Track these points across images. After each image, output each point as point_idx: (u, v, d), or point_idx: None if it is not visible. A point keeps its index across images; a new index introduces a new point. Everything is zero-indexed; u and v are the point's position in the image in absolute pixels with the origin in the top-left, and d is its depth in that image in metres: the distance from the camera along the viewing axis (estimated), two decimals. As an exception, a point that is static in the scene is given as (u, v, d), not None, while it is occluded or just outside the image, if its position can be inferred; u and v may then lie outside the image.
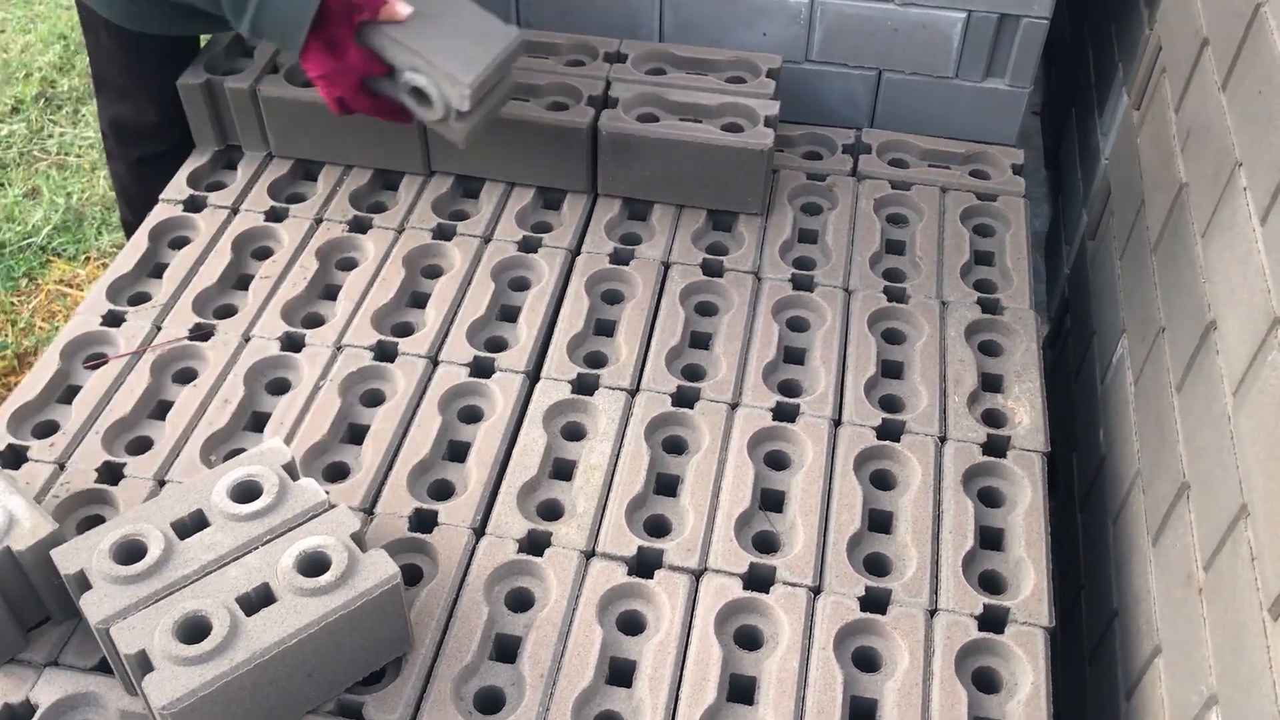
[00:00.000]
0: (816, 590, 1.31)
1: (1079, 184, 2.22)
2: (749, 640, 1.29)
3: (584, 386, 1.52)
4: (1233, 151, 1.28)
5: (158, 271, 1.69)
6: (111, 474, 1.42)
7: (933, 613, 1.30)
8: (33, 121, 2.92)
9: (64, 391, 1.52)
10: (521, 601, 1.32)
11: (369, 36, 1.49)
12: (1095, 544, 1.59)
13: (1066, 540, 1.77)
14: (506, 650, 1.28)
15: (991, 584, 1.35)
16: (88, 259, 2.55)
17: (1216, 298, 1.26)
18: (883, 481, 1.44)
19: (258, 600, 1.15)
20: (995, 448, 1.46)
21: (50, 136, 2.88)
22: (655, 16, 2.05)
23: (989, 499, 1.43)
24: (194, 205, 1.78)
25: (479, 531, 1.36)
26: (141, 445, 1.46)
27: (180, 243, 1.73)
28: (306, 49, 1.48)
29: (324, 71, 1.50)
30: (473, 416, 1.50)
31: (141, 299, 1.64)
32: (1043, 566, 1.33)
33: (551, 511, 1.40)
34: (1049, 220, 2.57)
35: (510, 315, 1.63)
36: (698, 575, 1.32)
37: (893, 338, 1.62)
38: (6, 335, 2.40)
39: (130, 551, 1.18)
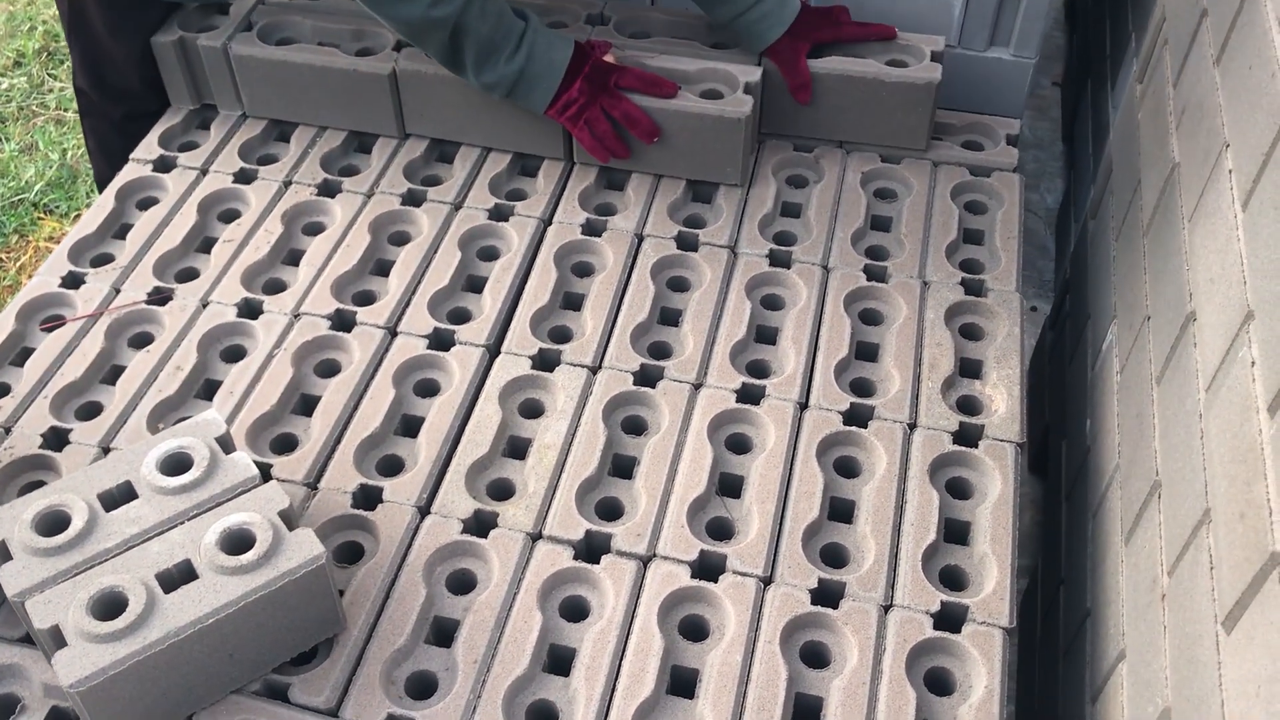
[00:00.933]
0: (767, 581, 1.26)
1: (1089, 160, 2.14)
2: (694, 631, 1.24)
3: (545, 362, 1.48)
4: (1222, 131, 1.20)
5: (122, 233, 1.66)
6: (58, 440, 1.39)
7: (887, 608, 1.24)
8: (34, 76, 2.89)
9: (18, 354, 1.50)
10: (462, 584, 1.28)
11: None
12: (1076, 538, 1.53)
13: (1054, 530, 1.71)
14: (444, 634, 1.24)
15: (952, 580, 1.29)
16: (78, 217, 2.52)
17: (1197, 287, 1.19)
18: (846, 469, 1.39)
19: (179, 577, 1.11)
20: (967, 437, 1.40)
21: (50, 91, 2.86)
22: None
23: (957, 490, 1.37)
24: (163, 165, 1.74)
25: (424, 510, 1.32)
26: (91, 411, 1.43)
27: (148, 203, 1.70)
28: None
29: (574, 101, 1.61)
30: (429, 390, 1.46)
31: (104, 260, 1.61)
32: (1007, 564, 1.28)
33: (501, 491, 1.36)
34: (1062, 196, 2.49)
35: (476, 286, 1.59)
36: (645, 561, 1.28)
37: (870, 318, 1.55)
38: (-7, 292, 2.39)
39: (54, 522, 1.15)
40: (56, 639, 1.07)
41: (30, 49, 2.97)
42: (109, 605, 1.08)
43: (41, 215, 2.56)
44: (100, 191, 1.97)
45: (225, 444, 1.22)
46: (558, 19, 1.83)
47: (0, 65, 2.93)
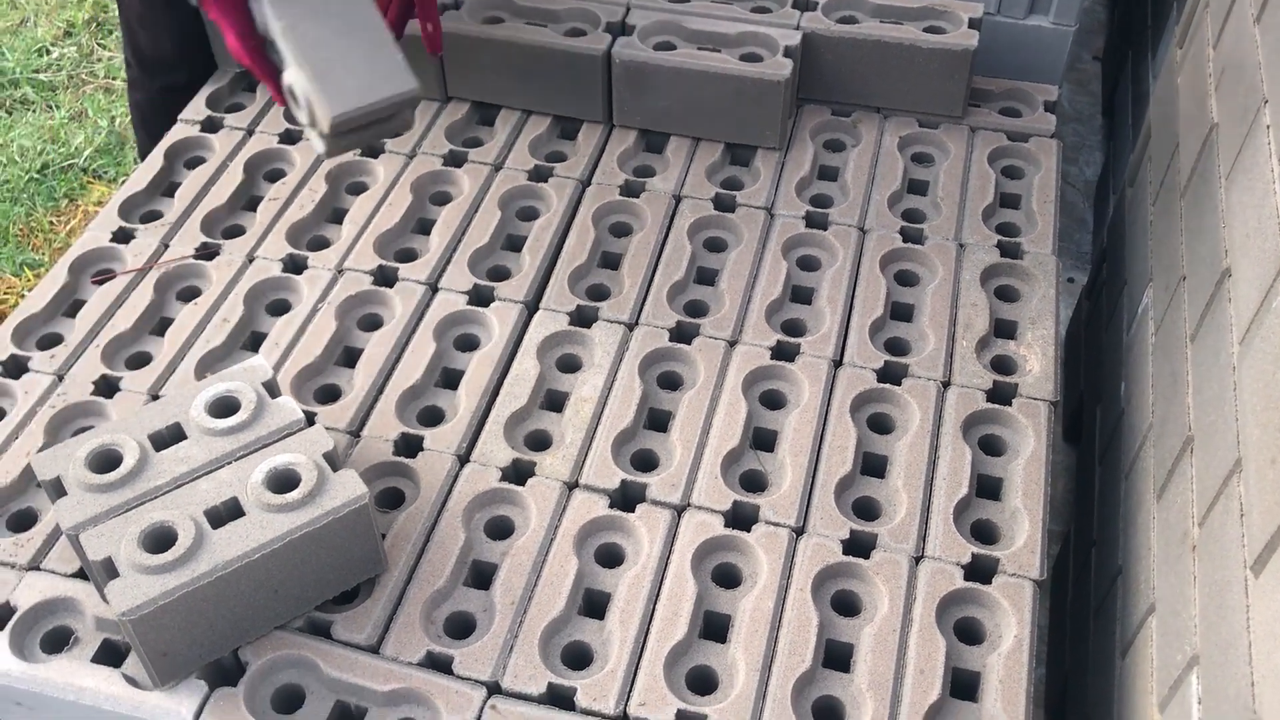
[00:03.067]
0: (799, 531, 1.28)
1: (1129, 130, 2.13)
2: (727, 578, 1.26)
3: (582, 318, 1.50)
4: (1260, 88, 1.20)
5: (170, 190, 1.69)
6: (108, 387, 1.43)
7: (918, 559, 1.26)
8: (83, 45, 2.95)
9: (70, 305, 1.54)
10: (500, 530, 1.30)
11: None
12: (1108, 500, 1.54)
13: (1087, 494, 1.71)
14: (481, 577, 1.27)
15: (984, 534, 1.30)
16: (124, 184, 2.57)
17: (1233, 243, 1.20)
18: (880, 425, 1.40)
19: (226, 514, 1.15)
20: (1001, 395, 1.41)
21: (99, 60, 2.91)
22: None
23: (990, 447, 1.38)
24: (211, 126, 1.78)
25: (463, 458, 1.35)
26: (140, 360, 1.47)
27: (195, 163, 1.74)
28: None
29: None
30: (468, 345, 1.48)
31: (153, 217, 1.65)
32: (1039, 518, 1.29)
33: (539, 442, 1.38)
34: (1101, 169, 2.48)
35: (515, 245, 1.61)
36: (679, 511, 1.30)
37: (905, 280, 1.56)
38: (44, 254, 2.44)
39: (106, 460, 1.18)
40: (109, 570, 1.10)
41: (80, 19, 3.02)
42: (159, 539, 1.12)
43: (91, 180, 2.61)
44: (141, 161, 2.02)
45: (271, 388, 1.25)
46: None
47: (50, 35, 2.99)
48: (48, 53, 2.95)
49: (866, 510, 1.32)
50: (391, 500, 1.32)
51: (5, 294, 2.37)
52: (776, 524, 1.28)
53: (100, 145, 2.66)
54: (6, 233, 2.48)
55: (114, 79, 2.85)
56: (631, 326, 1.48)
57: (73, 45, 2.95)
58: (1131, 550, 1.36)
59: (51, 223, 2.51)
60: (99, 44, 2.96)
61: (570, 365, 1.46)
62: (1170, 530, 1.22)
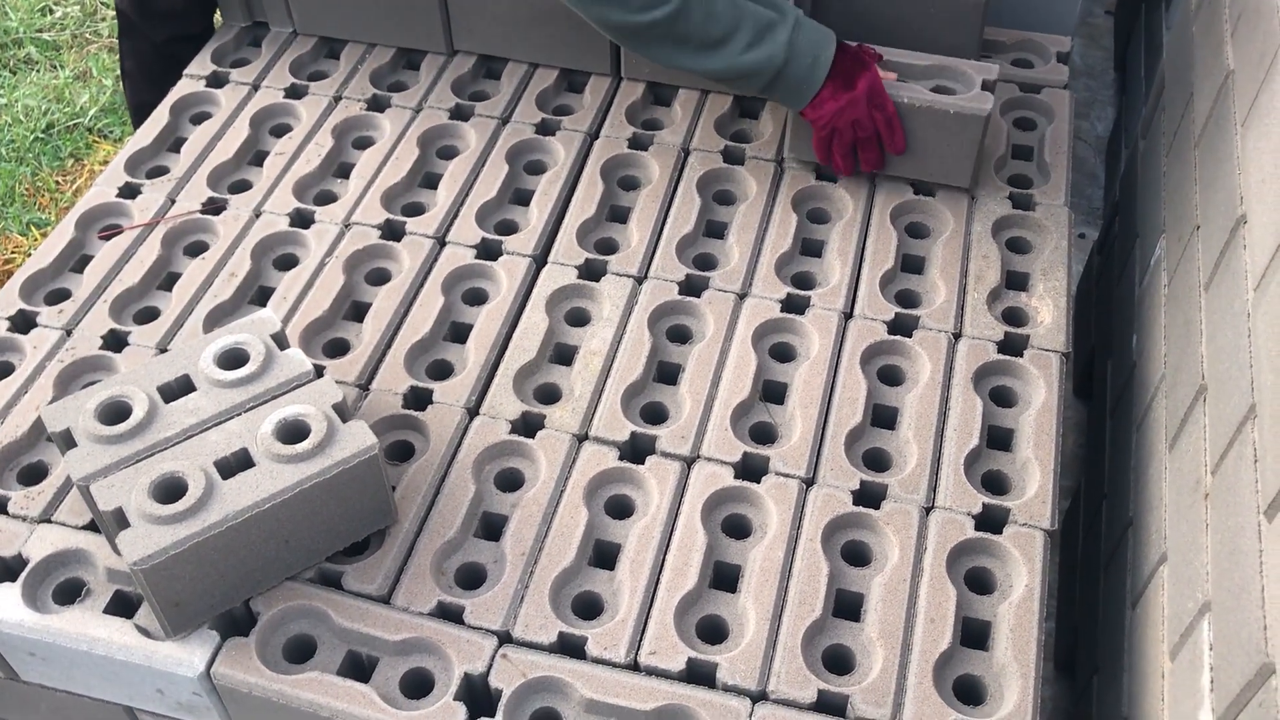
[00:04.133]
0: (809, 482, 1.28)
1: (1142, 83, 2.11)
2: (737, 529, 1.26)
3: (591, 272, 1.49)
4: (1278, 33, 1.18)
5: (176, 146, 1.68)
6: (116, 341, 1.42)
7: (928, 510, 1.25)
8: (86, 4, 2.92)
9: (77, 261, 1.53)
10: (510, 482, 1.30)
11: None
12: (1120, 452, 1.53)
13: (1098, 449, 1.71)
14: (492, 529, 1.27)
15: (995, 484, 1.30)
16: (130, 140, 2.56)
17: (1249, 190, 1.18)
18: (890, 377, 1.39)
19: (236, 464, 1.15)
20: (1012, 346, 1.40)
21: (103, 19, 2.89)
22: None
23: (1001, 399, 1.38)
24: (216, 81, 1.76)
25: (473, 411, 1.35)
26: (148, 315, 1.46)
27: (201, 118, 1.72)
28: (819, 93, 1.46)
29: (839, 105, 1.46)
30: (477, 299, 1.48)
31: (159, 172, 1.64)
32: (1050, 468, 1.28)
33: (548, 395, 1.38)
34: (1113, 124, 2.46)
35: (523, 199, 1.60)
36: (689, 462, 1.29)
37: (916, 232, 1.55)
38: (49, 213, 2.43)
39: (116, 412, 1.18)
40: (120, 520, 1.11)
41: (83, -23, 3.00)
42: (170, 490, 1.12)
43: (96, 140, 2.60)
44: (133, 114, 2.00)
45: (280, 340, 1.25)
46: None
47: (54, -6, 2.97)
48: (51, 12, 2.93)
49: (877, 461, 1.32)
50: (401, 453, 1.32)
51: (12, 253, 2.37)
52: (786, 475, 1.28)
53: (105, 104, 2.65)
54: (13, 192, 2.47)
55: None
56: (640, 280, 1.48)
57: (76, 4, 2.93)
58: (1143, 501, 1.35)
59: (58, 182, 2.50)
60: (102, 2, 2.94)
61: (579, 319, 1.45)
62: (1182, 479, 1.21)
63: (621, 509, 1.28)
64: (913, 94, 1.50)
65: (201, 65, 1.78)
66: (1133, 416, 1.49)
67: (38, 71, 2.76)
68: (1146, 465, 1.37)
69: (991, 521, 1.25)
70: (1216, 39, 1.43)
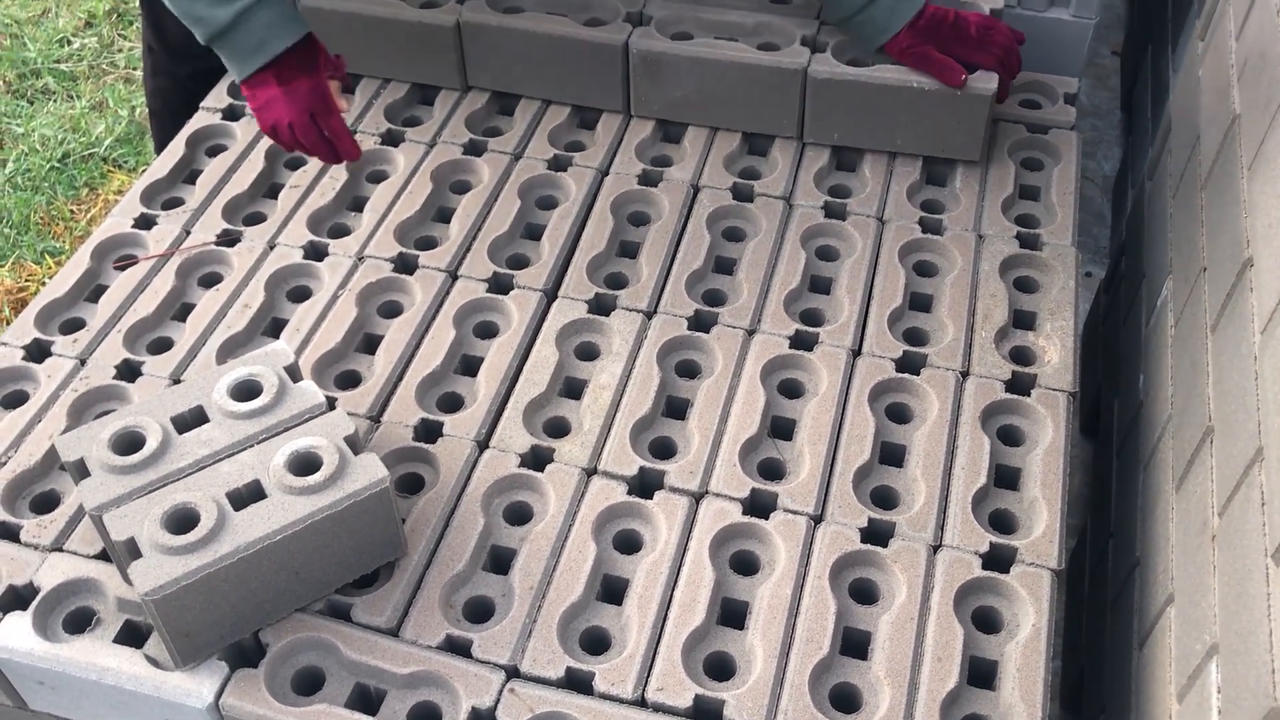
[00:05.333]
0: (817, 519, 1.28)
1: (1148, 124, 2.13)
2: (745, 565, 1.27)
3: (601, 307, 1.50)
4: (1284, 78, 1.20)
5: (192, 178, 1.70)
6: (130, 371, 1.44)
7: (936, 548, 1.26)
8: (104, 36, 2.96)
9: (92, 290, 1.55)
10: (519, 515, 1.31)
11: None
12: (1126, 492, 1.54)
13: (1105, 488, 1.71)
14: (500, 562, 1.28)
15: (1002, 523, 1.30)
16: (145, 171, 2.59)
17: (1255, 233, 1.19)
18: (898, 415, 1.40)
19: (248, 496, 1.15)
20: (1020, 385, 1.41)
21: (120, 51, 2.92)
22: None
23: (1009, 438, 1.38)
24: (232, 114, 1.79)
25: (482, 444, 1.35)
26: (161, 345, 1.48)
27: (216, 150, 1.74)
28: (268, 65, 1.42)
29: (277, 93, 1.43)
30: (488, 332, 1.49)
31: (174, 204, 1.66)
32: (1057, 508, 1.29)
33: (557, 429, 1.39)
34: (1119, 163, 2.47)
35: (534, 233, 1.61)
36: (698, 498, 1.30)
37: (924, 270, 1.56)
38: (64, 242, 2.45)
39: (129, 442, 1.19)
40: (132, 551, 1.11)
41: (100, 9, 3.04)
42: (182, 520, 1.13)
43: (111, 169, 2.62)
44: (158, 154, 2.02)
45: (293, 373, 1.26)
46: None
47: (72, 26, 3.00)
48: (69, 43, 2.96)
49: (885, 499, 1.32)
50: (411, 485, 1.33)
51: (27, 281, 2.39)
52: (795, 512, 1.28)
53: (120, 134, 2.67)
54: (28, 221, 2.50)
55: (134, 69, 2.87)
56: (650, 315, 1.49)
57: (93, 36, 2.96)
58: (1150, 541, 1.36)
59: (72, 211, 2.53)
60: (119, 34, 2.98)
61: (589, 353, 1.46)
62: (1189, 521, 1.21)
63: (630, 544, 1.28)
64: (922, 78, 1.59)
65: (218, 98, 1.80)
66: (1140, 456, 1.49)
67: (55, 101, 2.79)
68: (1153, 506, 1.37)
69: (999, 560, 1.25)
70: (1223, 83, 1.44)
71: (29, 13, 3.05)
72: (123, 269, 1.56)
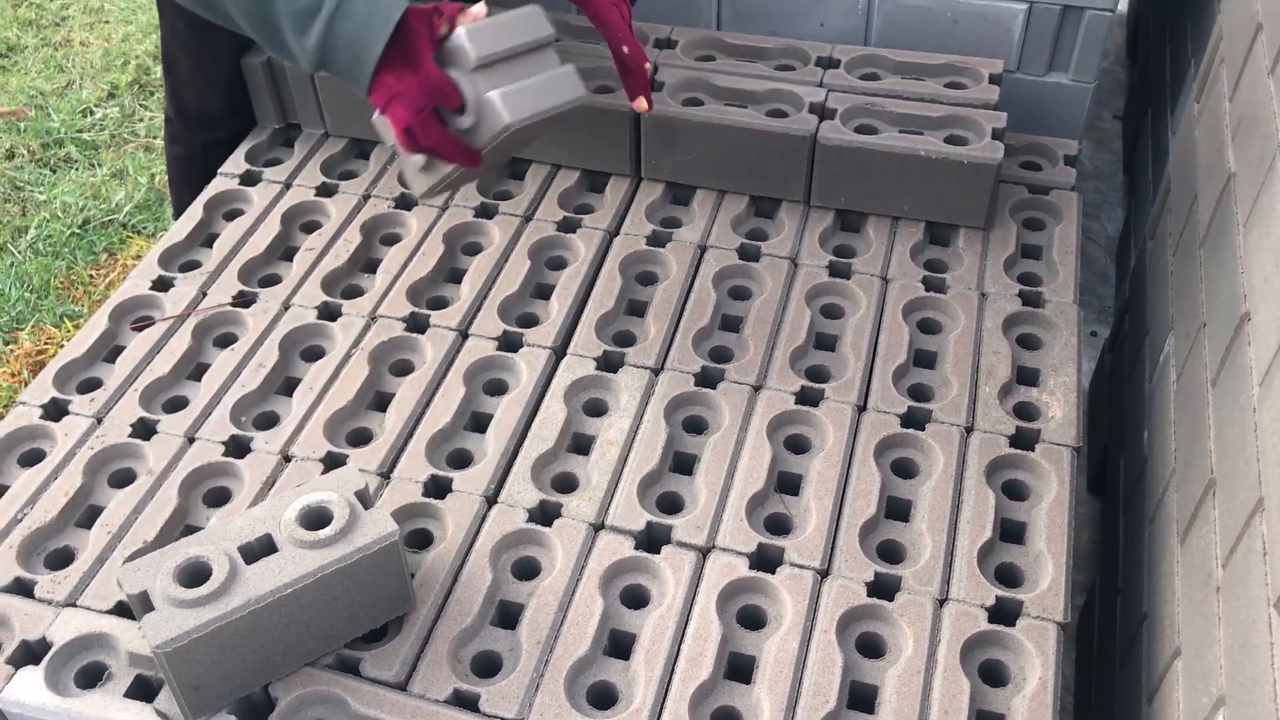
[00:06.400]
0: (824, 573, 1.29)
1: (1150, 185, 2.16)
2: (752, 620, 1.27)
3: (609, 364, 1.52)
4: (1276, 136, 1.22)
5: (209, 241, 1.74)
6: (145, 430, 1.46)
7: (942, 602, 1.26)
8: (126, 106, 3.03)
9: (110, 351, 1.58)
10: (527, 570, 1.32)
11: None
12: (1133, 547, 1.54)
13: (1112, 545, 1.71)
14: (508, 617, 1.28)
15: (1007, 577, 1.31)
16: (164, 235, 2.64)
17: (1252, 287, 1.21)
18: (904, 470, 1.41)
19: (259, 549, 1.17)
20: (1024, 440, 1.42)
21: (140, 120, 2.99)
22: (713, 5, 2.05)
23: (1014, 492, 1.39)
24: (249, 179, 1.83)
25: (491, 500, 1.37)
26: (177, 404, 1.50)
27: (233, 215, 1.78)
28: (378, 69, 1.28)
29: (396, 91, 1.29)
30: (497, 389, 1.51)
31: (191, 266, 1.69)
32: (1062, 561, 1.29)
33: (565, 484, 1.40)
34: (1122, 224, 2.50)
35: (544, 293, 1.64)
36: (705, 552, 1.31)
37: (928, 328, 1.58)
38: (83, 305, 2.49)
39: (195, 574, 1.14)
40: (145, 604, 1.13)
41: (123, 81, 3.12)
42: (194, 574, 1.14)
43: (130, 235, 2.67)
44: (176, 219, 2.07)
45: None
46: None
47: (95, 96, 3.08)
48: (92, 113, 3.03)
49: (891, 553, 1.33)
50: (420, 541, 1.34)
51: (45, 344, 2.43)
52: (801, 566, 1.29)
53: (140, 201, 2.73)
54: (49, 285, 2.54)
55: (154, 138, 2.93)
56: (657, 371, 1.51)
57: (116, 106, 3.04)
58: (1156, 595, 1.36)
59: (91, 276, 2.57)
60: (141, 105, 3.05)
61: (597, 409, 1.48)
62: (1194, 573, 1.22)
63: (637, 598, 1.29)
64: (928, 146, 1.60)
65: (235, 164, 1.85)
66: (1145, 511, 1.50)
67: (77, 169, 2.85)
68: (1159, 560, 1.38)
69: (1005, 614, 1.26)
70: (1218, 142, 1.47)
71: (54, 84, 3.13)
72: (140, 330, 1.59)
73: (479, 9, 1.33)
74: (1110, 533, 1.75)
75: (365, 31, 1.27)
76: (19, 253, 2.62)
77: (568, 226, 1.72)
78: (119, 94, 3.09)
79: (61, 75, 3.17)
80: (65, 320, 2.47)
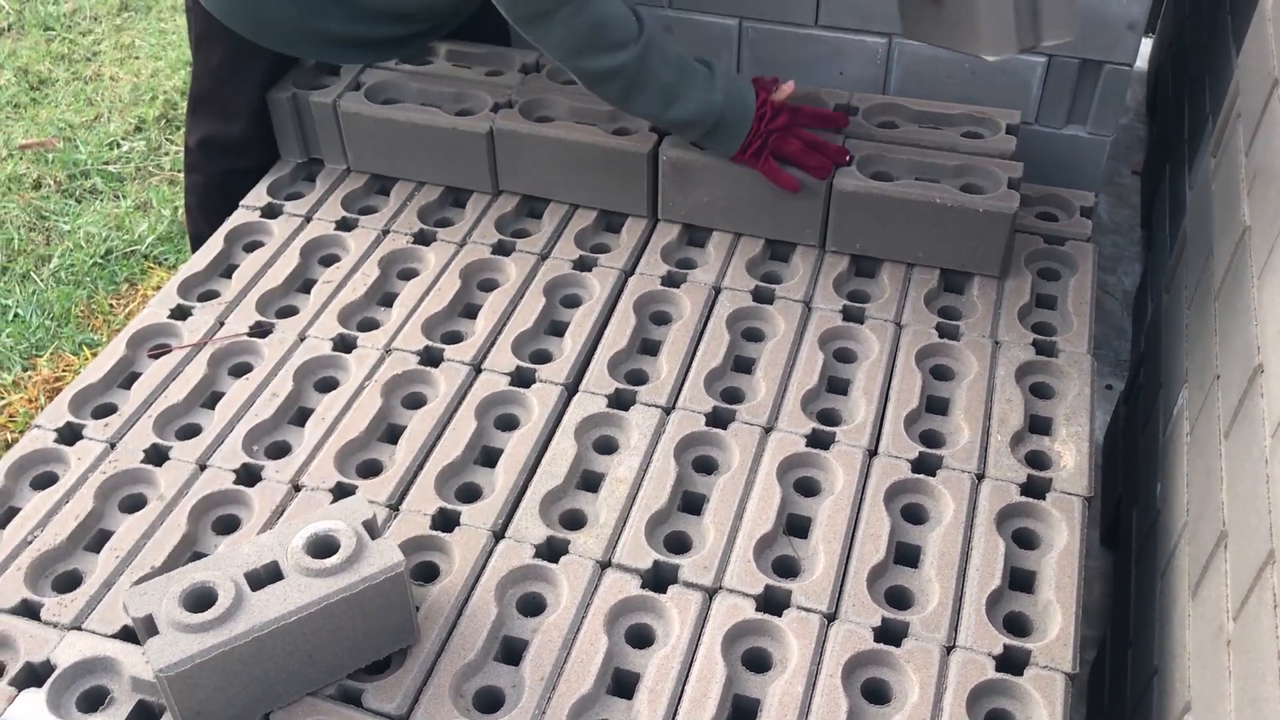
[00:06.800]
0: (831, 617, 1.28)
1: (1167, 239, 2.16)
2: (757, 662, 1.26)
3: (620, 402, 1.53)
4: (1290, 190, 1.23)
5: (228, 272, 1.76)
6: (158, 456, 1.47)
7: (949, 649, 1.25)
8: (152, 140, 3.08)
9: (125, 378, 1.59)
10: (532, 606, 1.31)
11: None
12: (1144, 600, 1.52)
13: (1123, 597, 1.69)
14: (512, 653, 1.28)
15: (1016, 626, 1.30)
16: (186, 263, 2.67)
17: (1266, 340, 1.21)
18: (914, 515, 1.41)
19: (265, 576, 1.17)
20: (1035, 489, 1.41)
21: (165, 154, 3.03)
22: (733, 53, 2.07)
23: (1024, 540, 1.38)
24: (270, 212, 1.85)
25: (498, 535, 1.37)
26: (190, 431, 1.51)
27: (253, 246, 1.80)
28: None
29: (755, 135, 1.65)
30: (508, 424, 1.52)
31: (210, 296, 1.71)
32: (1071, 611, 1.28)
33: (573, 521, 1.40)
34: (1140, 279, 2.50)
35: (558, 330, 1.65)
36: (711, 593, 1.30)
37: (941, 374, 1.58)
38: (102, 334, 2.51)
39: (200, 599, 1.14)
40: (149, 628, 1.13)
41: (151, 115, 3.16)
42: (200, 599, 1.14)
43: (151, 266, 2.70)
44: (192, 246, 2.09)
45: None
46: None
47: (122, 130, 3.12)
48: (118, 146, 3.08)
49: (899, 599, 1.32)
50: (427, 574, 1.34)
51: (63, 371, 2.44)
52: (808, 609, 1.28)
53: (162, 233, 2.76)
54: (69, 313, 2.57)
55: (178, 171, 2.97)
56: (668, 410, 1.51)
57: (142, 139, 3.08)
58: (1167, 649, 1.34)
59: (111, 305, 2.60)
60: (167, 139, 3.09)
61: (607, 447, 1.48)
62: (1205, 626, 1.20)
63: (642, 638, 1.28)
64: (944, 194, 1.61)
65: (257, 197, 1.87)
66: (1156, 564, 1.49)
67: (101, 201, 2.89)
68: (1170, 612, 1.36)
69: (1012, 663, 1.24)
70: (1233, 196, 1.48)
71: (83, 118, 3.18)
72: (157, 357, 1.60)
73: (789, 86, 1.68)
74: (1122, 586, 1.73)
75: (732, 127, 1.66)
76: (41, 281, 2.65)
77: (583, 265, 1.73)
78: (146, 128, 3.13)
79: (90, 109, 3.22)
80: (84, 348, 2.49)
